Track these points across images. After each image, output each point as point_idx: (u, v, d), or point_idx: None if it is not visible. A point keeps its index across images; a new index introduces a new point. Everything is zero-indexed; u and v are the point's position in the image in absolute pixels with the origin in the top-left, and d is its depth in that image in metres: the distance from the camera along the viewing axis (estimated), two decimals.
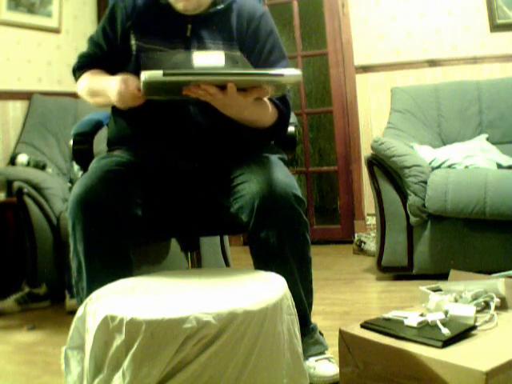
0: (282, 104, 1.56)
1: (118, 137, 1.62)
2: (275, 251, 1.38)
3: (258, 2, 1.77)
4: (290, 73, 1.30)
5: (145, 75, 1.27)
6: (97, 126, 1.79)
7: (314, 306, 1.53)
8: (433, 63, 3.53)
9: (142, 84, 1.29)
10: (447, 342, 1.20)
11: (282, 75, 1.29)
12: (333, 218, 3.96)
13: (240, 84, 1.32)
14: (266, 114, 1.53)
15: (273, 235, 1.37)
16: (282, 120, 1.58)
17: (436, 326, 1.27)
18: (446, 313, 1.32)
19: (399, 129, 3.13)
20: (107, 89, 1.47)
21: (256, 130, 1.55)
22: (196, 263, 1.76)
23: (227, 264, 2.57)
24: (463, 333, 1.24)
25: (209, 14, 1.56)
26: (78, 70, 1.63)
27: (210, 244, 2.43)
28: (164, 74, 1.25)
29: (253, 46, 1.58)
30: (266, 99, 1.51)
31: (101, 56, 1.61)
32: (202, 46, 1.54)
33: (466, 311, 1.31)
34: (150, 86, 1.30)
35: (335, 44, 3.77)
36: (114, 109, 1.62)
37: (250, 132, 1.54)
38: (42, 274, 2.68)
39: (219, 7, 1.57)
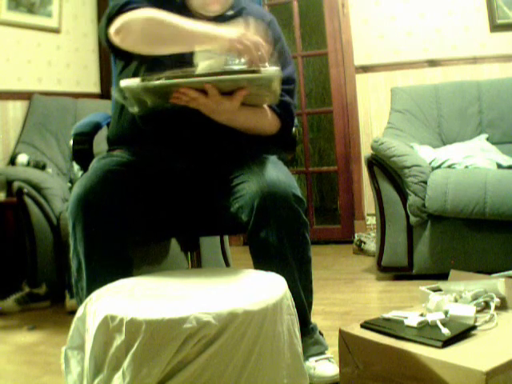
0: (284, 112, 1.56)
1: (119, 136, 1.62)
2: (275, 251, 1.38)
3: (258, 4, 1.77)
4: (267, 69, 1.28)
5: (123, 82, 1.29)
6: (96, 127, 1.79)
7: (314, 306, 1.53)
8: (433, 63, 3.53)
9: (123, 89, 1.31)
10: (447, 342, 1.20)
11: (258, 71, 1.26)
12: (333, 217, 3.96)
13: (221, 86, 1.31)
14: (264, 120, 1.53)
15: (272, 235, 1.37)
16: (285, 129, 1.58)
17: (436, 325, 1.26)
18: (446, 313, 1.32)
19: (399, 129, 3.13)
20: (209, 30, 1.32)
21: (258, 138, 1.55)
22: (196, 263, 1.76)
23: (227, 264, 2.57)
24: (463, 333, 1.24)
25: (218, 19, 1.54)
26: (125, 5, 1.41)
27: (209, 244, 2.43)
28: (141, 80, 1.28)
29: None
30: (266, 107, 1.51)
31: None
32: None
33: (466, 311, 1.31)
34: (133, 94, 1.31)
35: (335, 44, 3.77)
36: (116, 108, 1.61)
37: (253, 139, 1.55)
38: (42, 274, 2.68)
39: (229, 13, 1.57)
